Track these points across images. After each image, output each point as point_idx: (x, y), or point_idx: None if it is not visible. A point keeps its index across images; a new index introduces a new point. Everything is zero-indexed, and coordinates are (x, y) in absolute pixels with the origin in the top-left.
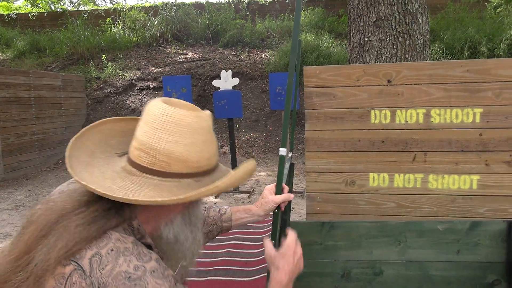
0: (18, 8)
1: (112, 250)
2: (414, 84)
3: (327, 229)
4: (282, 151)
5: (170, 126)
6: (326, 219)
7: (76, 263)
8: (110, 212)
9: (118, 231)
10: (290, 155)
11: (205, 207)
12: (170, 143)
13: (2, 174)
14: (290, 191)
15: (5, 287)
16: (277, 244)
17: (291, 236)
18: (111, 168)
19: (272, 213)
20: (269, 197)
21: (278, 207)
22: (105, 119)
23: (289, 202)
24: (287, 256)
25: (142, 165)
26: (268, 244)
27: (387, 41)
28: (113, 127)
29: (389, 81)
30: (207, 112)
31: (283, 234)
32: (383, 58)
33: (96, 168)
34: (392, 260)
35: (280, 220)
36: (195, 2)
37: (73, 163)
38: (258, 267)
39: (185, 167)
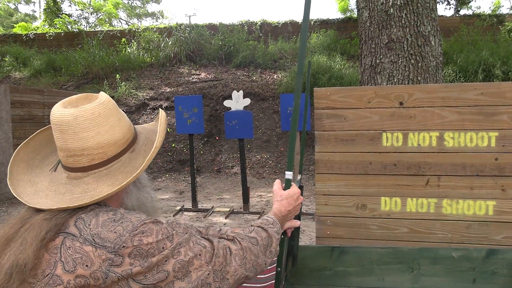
0: (36, 28)
1: (90, 211)
2: (427, 106)
3: (337, 254)
4: (288, 174)
5: (86, 124)
6: (336, 243)
7: (64, 232)
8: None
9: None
10: (299, 177)
11: (206, 225)
12: (95, 136)
13: None
14: (299, 214)
15: None
16: (284, 271)
17: (295, 186)
18: (55, 184)
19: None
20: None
21: (284, 232)
22: (22, 144)
23: (297, 228)
24: (291, 198)
25: (83, 166)
26: (277, 182)
27: (399, 63)
28: (33, 144)
29: (401, 103)
30: (103, 94)
31: (290, 259)
32: (395, 80)
33: (42, 192)
34: None
35: (287, 246)
36: (208, 23)
37: (24, 190)
38: (269, 274)
39: (118, 147)
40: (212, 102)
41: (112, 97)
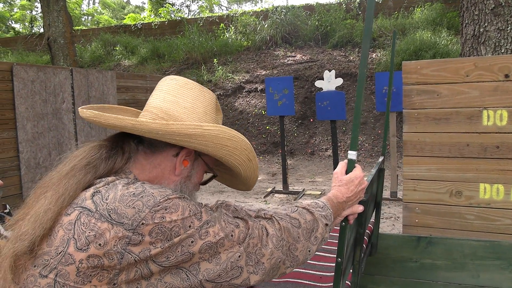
0: (143, 18)
1: (108, 184)
2: None
3: (423, 245)
4: (352, 154)
5: (174, 87)
6: (426, 233)
7: (80, 206)
8: (99, 160)
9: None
10: (381, 159)
11: (257, 209)
12: (171, 102)
13: None
14: (379, 199)
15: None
16: (348, 263)
17: (359, 168)
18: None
19: (339, 227)
20: None
21: (346, 219)
22: (127, 107)
23: (377, 214)
24: (352, 183)
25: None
26: (341, 164)
27: (508, 31)
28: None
29: (506, 75)
30: (211, 92)
31: (359, 249)
32: (502, 51)
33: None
34: None
35: (352, 234)
36: (305, 4)
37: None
38: (332, 283)
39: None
40: (307, 83)
41: (210, 81)
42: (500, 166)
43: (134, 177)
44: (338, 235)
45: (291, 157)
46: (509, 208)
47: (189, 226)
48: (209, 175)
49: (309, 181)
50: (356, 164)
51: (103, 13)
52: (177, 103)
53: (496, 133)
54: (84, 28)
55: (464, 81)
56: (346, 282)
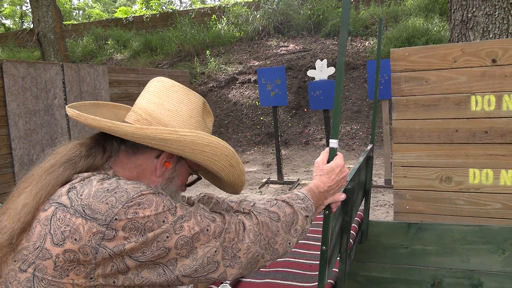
0: (134, 11)
1: (83, 180)
2: None
3: (414, 231)
4: (333, 143)
5: (159, 90)
6: (417, 219)
7: (56, 202)
8: (78, 157)
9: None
10: (369, 147)
11: (239, 199)
12: (155, 104)
13: None
14: (369, 187)
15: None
16: (334, 251)
17: (340, 156)
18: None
19: (323, 215)
20: None
21: (328, 207)
22: (122, 104)
23: (366, 202)
24: (333, 172)
25: (128, 122)
26: (323, 153)
27: (496, 16)
28: (124, 113)
29: (494, 60)
30: (199, 96)
31: (345, 237)
32: (490, 36)
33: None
34: (494, 271)
35: (338, 222)
36: None
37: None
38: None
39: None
40: (300, 73)
41: (203, 73)
42: (488, 151)
43: (114, 173)
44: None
45: (285, 147)
46: (498, 192)
47: (163, 221)
48: (195, 176)
49: (304, 171)
50: (338, 153)
51: (94, 7)
52: (161, 105)
53: (485, 118)
54: (75, 22)
55: (451, 67)
56: (335, 270)
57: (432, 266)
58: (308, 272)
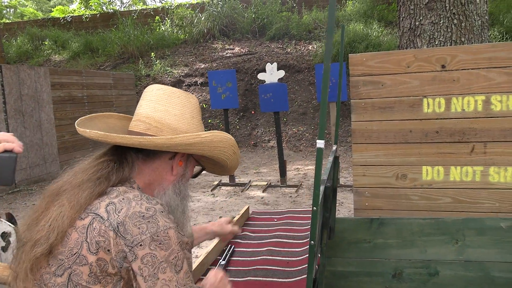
0: (73, 11)
1: (123, 198)
2: (472, 68)
3: (376, 226)
4: (320, 143)
5: (162, 97)
6: (375, 215)
7: (94, 213)
8: (111, 172)
9: (123, 186)
10: (334, 147)
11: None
12: (162, 111)
13: (59, 170)
14: (336, 186)
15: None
16: (318, 245)
17: (214, 272)
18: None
19: (311, 211)
20: (222, 219)
21: (316, 204)
22: (110, 113)
23: (334, 200)
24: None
25: (137, 131)
26: (211, 273)
27: (441, 24)
28: (116, 123)
29: (443, 66)
30: (194, 96)
31: (325, 233)
32: (436, 43)
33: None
34: (449, 260)
35: (320, 219)
36: None
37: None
38: (300, 267)
39: (174, 134)
40: (246, 76)
41: (148, 75)
42: (439, 149)
43: (138, 186)
44: (301, 222)
45: None
46: (448, 187)
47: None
48: (197, 169)
49: (254, 172)
50: (213, 268)
51: (27, 5)
52: (167, 112)
53: (436, 119)
54: (7, 21)
55: (405, 72)
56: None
57: (393, 258)
58: (287, 269)
